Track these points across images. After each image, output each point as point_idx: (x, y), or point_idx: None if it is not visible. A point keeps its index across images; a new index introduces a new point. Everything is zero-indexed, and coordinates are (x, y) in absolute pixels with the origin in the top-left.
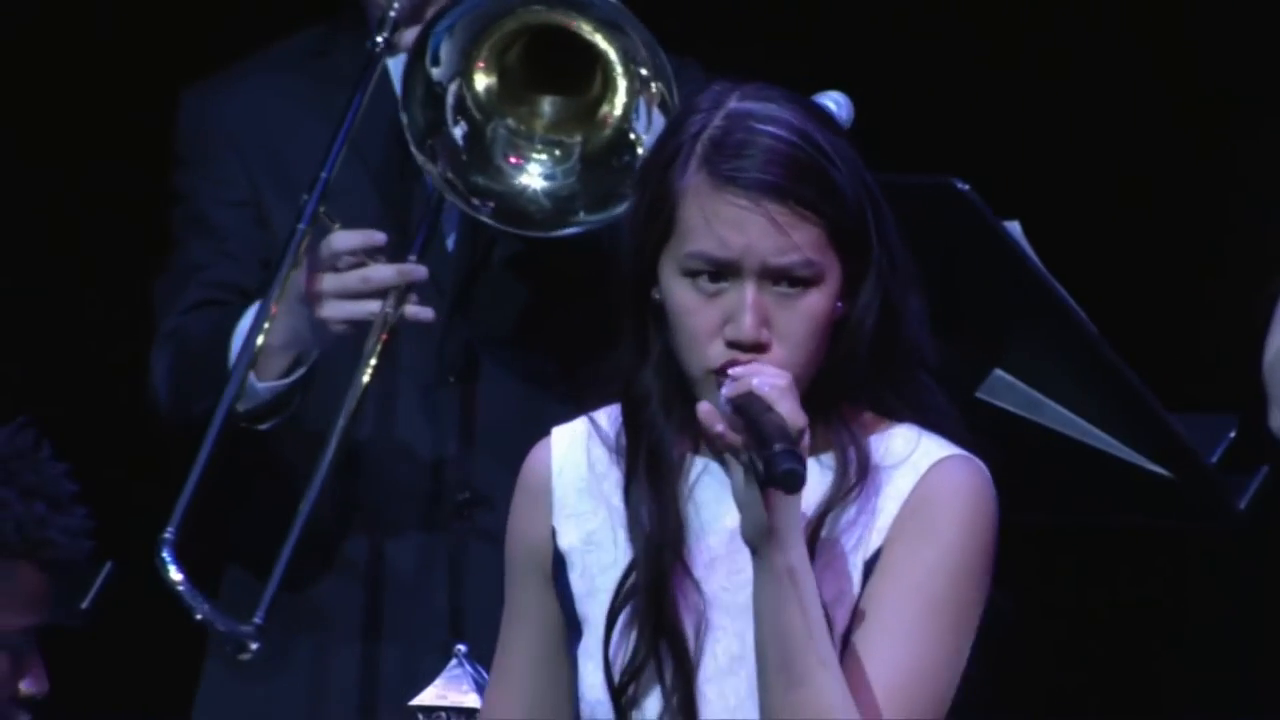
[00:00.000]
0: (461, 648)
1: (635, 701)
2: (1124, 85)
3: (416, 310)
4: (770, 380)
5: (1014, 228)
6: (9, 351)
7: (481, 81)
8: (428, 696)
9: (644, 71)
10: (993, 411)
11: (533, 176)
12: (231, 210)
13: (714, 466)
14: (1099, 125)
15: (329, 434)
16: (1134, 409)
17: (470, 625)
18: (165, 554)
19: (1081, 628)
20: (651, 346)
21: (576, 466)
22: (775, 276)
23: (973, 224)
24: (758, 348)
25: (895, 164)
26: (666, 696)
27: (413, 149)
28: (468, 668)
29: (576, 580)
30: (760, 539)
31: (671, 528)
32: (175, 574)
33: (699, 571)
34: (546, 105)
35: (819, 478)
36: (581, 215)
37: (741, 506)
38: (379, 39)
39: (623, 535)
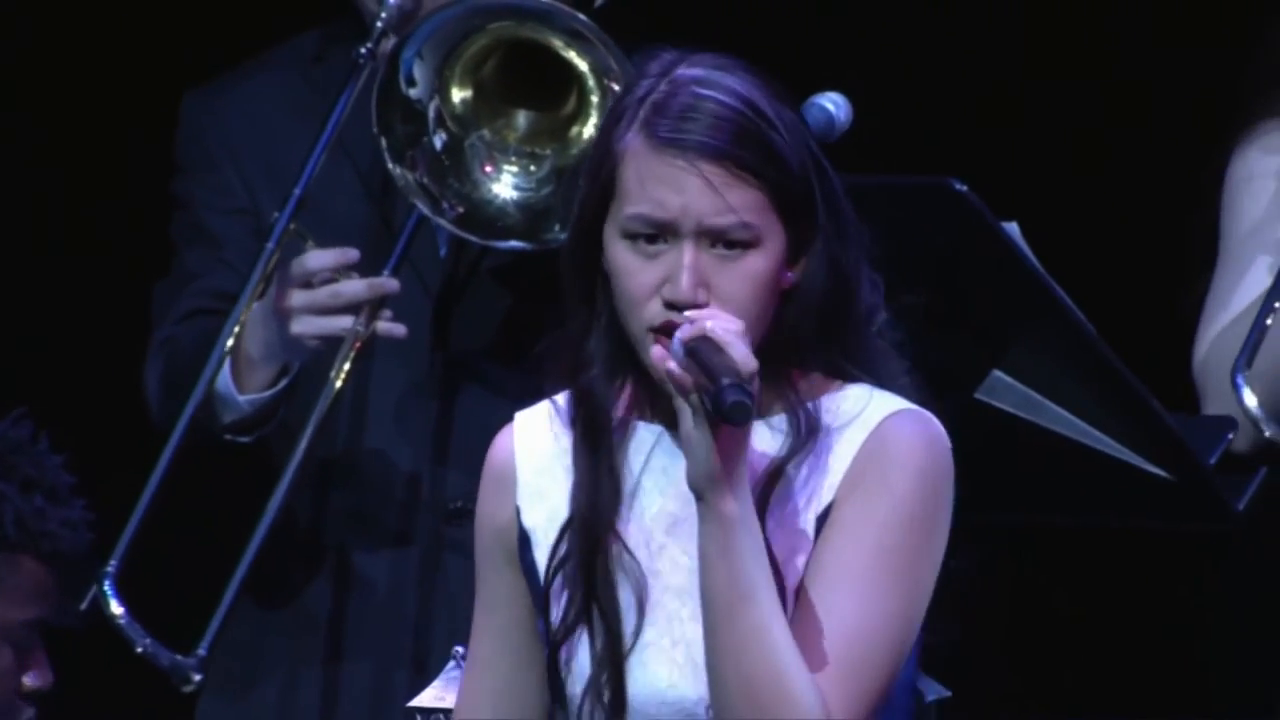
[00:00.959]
0: (459, 649)
1: (568, 669)
2: (1122, 86)
3: (389, 326)
4: (724, 324)
5: (1012, 228)
6: (4, 343)
7: (458, 95)
8: (426, 698)
9: (616, 88)
10: (992, 412)
11: (504, 187)
12: (228, 218)
13: (669, 433)
14: (1097, 126)
15: (294, 447)
16: (1133, 410)
17: (444, 638)
18: (106, 587)
19: (1079, 628)
20: (598, 314)
21: (538, 446)
22: (713, 238)
23: (971, 225)
24: (694, 308)
25: (893, 165)
26: (595, 667)
27: (388, 162)
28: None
29: (540, 557)
30: (706, 483)
31: (605, 492)
32: (116, 608)
33: (660, 536)
34: (521, 118)
35: (769, 440)
36: (557, 230)
37: (689, 449)
38: (365, 48)
39: None
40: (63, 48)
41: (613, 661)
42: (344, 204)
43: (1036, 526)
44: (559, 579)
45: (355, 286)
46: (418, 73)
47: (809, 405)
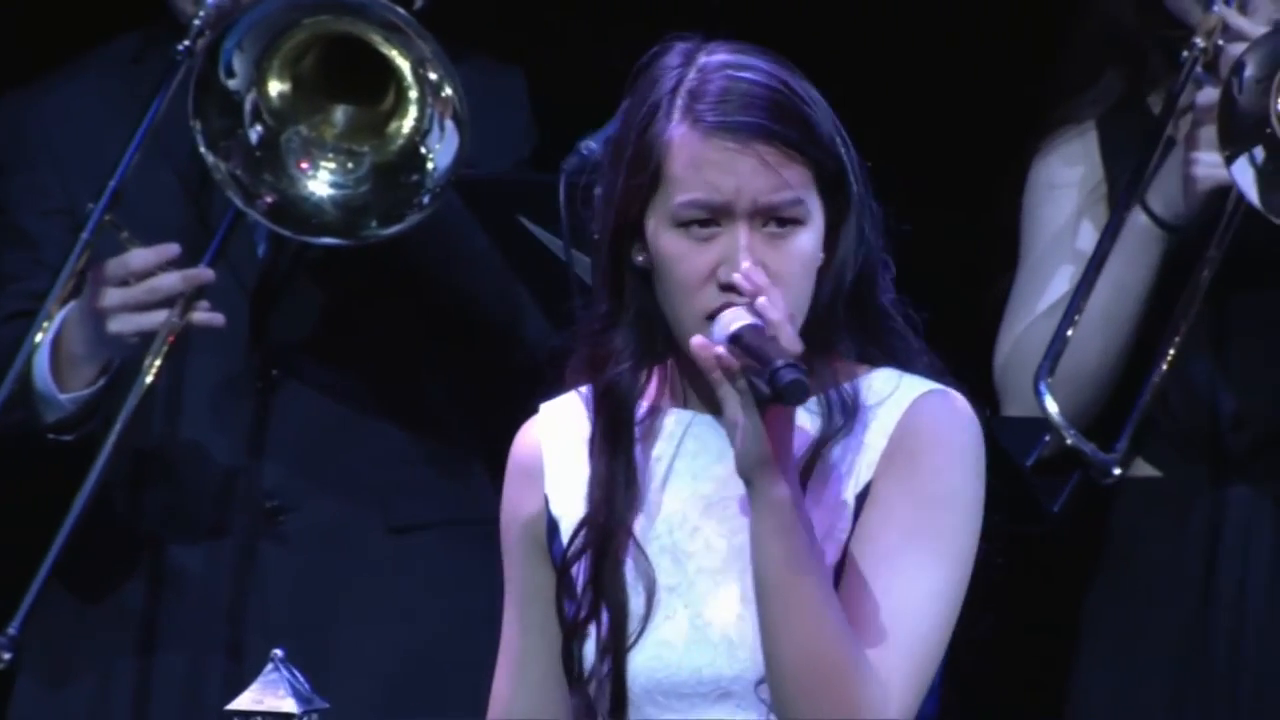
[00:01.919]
0: (278, 652)
1: (581, 656)
2: (925, 86)
3: (206, 316)
4: (769, 309)
5: None
6: None
7: (275, 89)
8: (244, 701)
9: (433, 80)
10: None
11: (320, 183)
12: (46, 219)
13: (701, 418)
14: (905, 124)
15: (104, 439)
16: None
17: (262, 628)
18: None
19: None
20: (626, 308)
21: (566, 434)
22: (765, 217)
23: None
24: (752, 288)
25: None
26: (598, 657)
27: (202, 149)
28: (284, 672)
29: (566, 541)
30: (757, 468)
31: (621, 488)
32: None
33: (694, 519)
34: (339, 114)
35: (807, 421)
36: (374, 227)
37: (737, 435)
38: (183, 45)
39: None
40: None
41: (615, 651)
42: (161, 202)
43: None
44: (574, 569)
45: (171, 279)
46: (237, 64)
47: (845, 386)
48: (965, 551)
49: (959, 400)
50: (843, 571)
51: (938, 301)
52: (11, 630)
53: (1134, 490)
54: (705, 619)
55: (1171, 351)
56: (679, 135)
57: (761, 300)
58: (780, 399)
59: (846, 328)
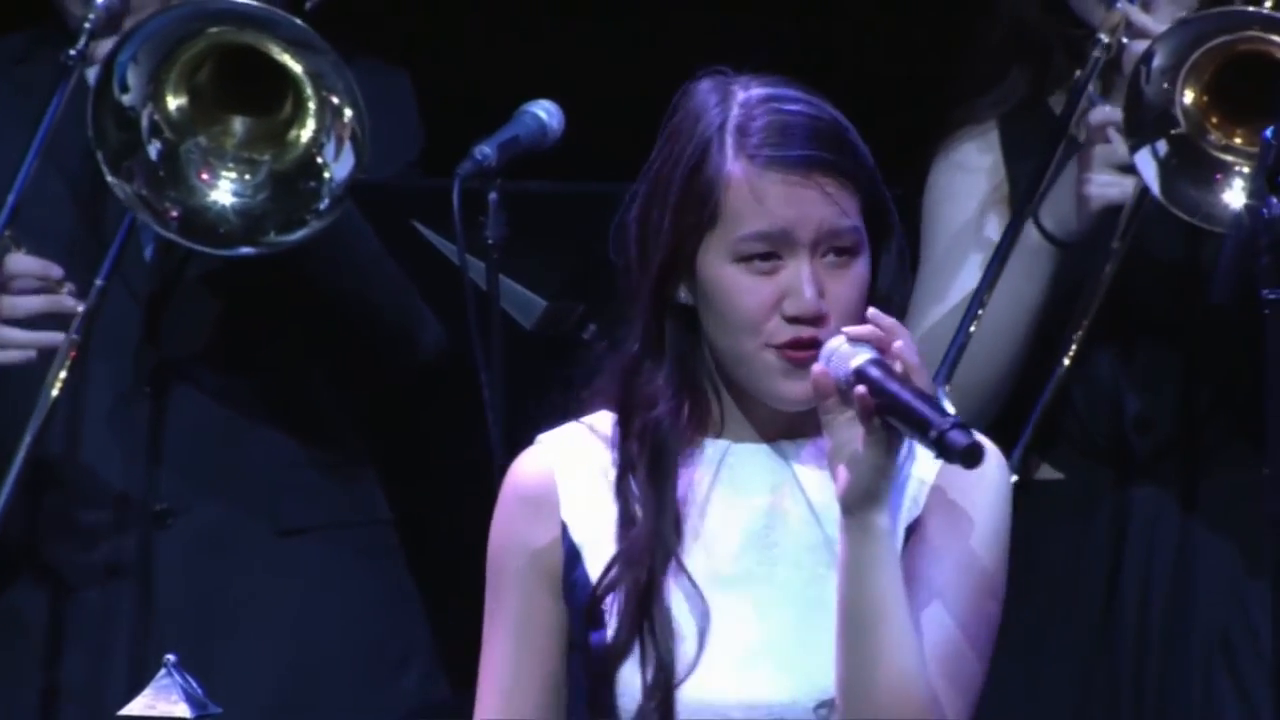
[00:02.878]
0: (171, 658)
1: (621, 689)
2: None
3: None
4: (909, 347)
5: None
6: None
7: (173, 102)
8: (136, 707)
9: (334, 98)
10: None
11: (222, 193)
12: None
13: (738, 447)
14: None
15: (15, 450)
16: None
17: (153, 632)
18: None
19: None
20: (667, 347)
21: (581, 464)
22: (825, 247)
23: None
24: (819, 319)
25: (611, 173)
26: (644, 695)
27: (106, 173)
28: (177, 677)
29: (593, 571)
30: (865, 501)
31: (668, 524)
32: None
33: (735, 549)
34: (238, 124)
35: None
36: (271, 235)
37: (848, 466)
38: (74, 50)
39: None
40: None
41: (663, 691)
42: (50, 210)
43: None
44: (609, 599)
45: (31, 302)
46: (132, 78)
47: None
48: (1002, 588)
49: (987, 439)
50: None
51: None
52: None
53: (1038, 493)
54: (751, 649)
55: (1073, 350)
56: (738, 171)
57: (899, 344)
58: (951, 460)
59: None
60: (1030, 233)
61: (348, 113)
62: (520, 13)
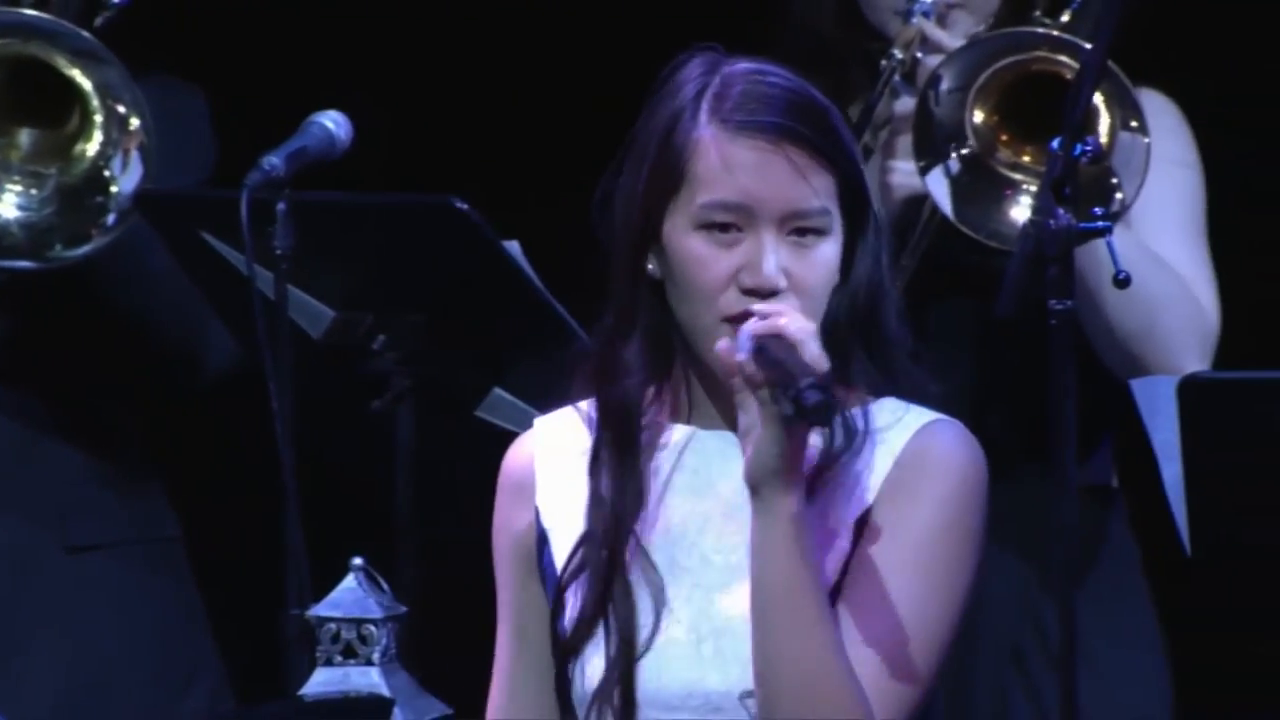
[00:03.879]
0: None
1: (580, 674)
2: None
3: None
4: (798, 323)
5: (513, 247)
6: None
7: None
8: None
9: (120, 107)
10: (493, 430)
11: (7, 206)
12: None
13: (703, 433)
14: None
15: None
16: None
17: None
18: None
19: None
20: (637, 321)
21: (560, 448)
22: (791, 225)
23: (472, 243)
24: (775, 295)
25: (397, 183)
26: (607, 671)
27: None
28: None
29: (558, 557)
30: (768, 478)
31: (629, 502)
32: None
33: (691, 535)
34: (24, 137)
35: (811, 440)
36: (58, 250)
37: (751, 444)
38: None
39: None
40: None
41: (624, 666)
42: None
43: None
44: (572, 586)
45: None
46: None
47: (854, 410)
48: (962, 583)
49: (964, 431)
50: (839, 593)
51: None
52: None
53: None
54: (699, 634)
55: None
56: (706, 135)
57: (787, 320)
58: (804, 419)
59: (856, 348)
60: None
61: (134, 123)
62: (309, 23)
